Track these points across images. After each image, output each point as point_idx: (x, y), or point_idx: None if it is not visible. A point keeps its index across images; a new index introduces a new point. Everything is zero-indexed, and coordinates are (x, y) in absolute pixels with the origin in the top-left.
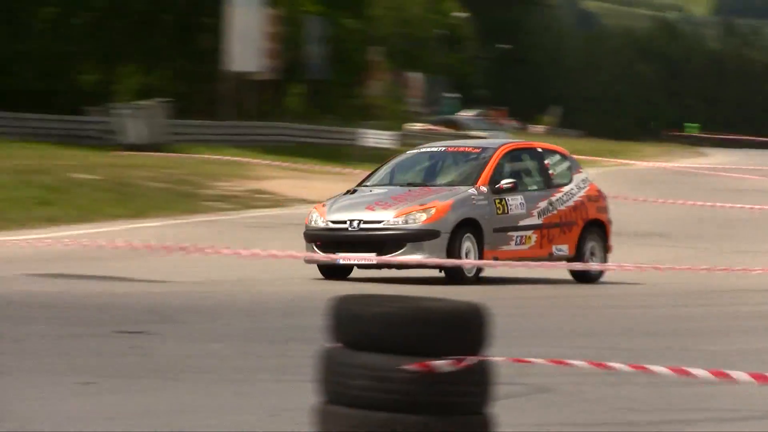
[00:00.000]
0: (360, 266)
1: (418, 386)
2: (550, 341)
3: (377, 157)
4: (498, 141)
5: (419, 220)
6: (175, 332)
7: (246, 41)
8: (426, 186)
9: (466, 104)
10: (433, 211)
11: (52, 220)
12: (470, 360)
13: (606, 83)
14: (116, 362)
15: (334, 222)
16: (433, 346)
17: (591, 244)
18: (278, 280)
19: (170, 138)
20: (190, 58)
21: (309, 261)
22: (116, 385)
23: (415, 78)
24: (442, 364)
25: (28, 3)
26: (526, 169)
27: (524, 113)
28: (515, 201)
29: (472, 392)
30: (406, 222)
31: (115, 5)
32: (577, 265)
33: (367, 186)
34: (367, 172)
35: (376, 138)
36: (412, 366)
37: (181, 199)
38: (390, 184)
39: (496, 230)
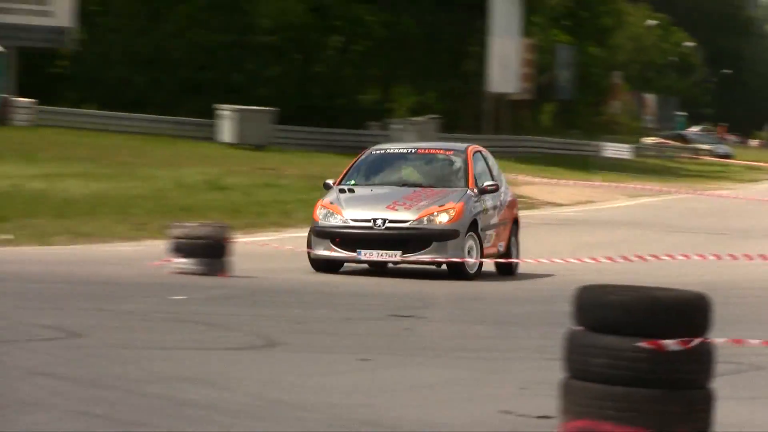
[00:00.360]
0: (381, 263)
1: (651, 364)
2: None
3: (617, 166)
4: (459, 144)
5: (442, 220)
6: (440, 316)
7: (505, 66)
8: (424, 187)
9: (692, 121)
10: (453, 212)
11: None
12: (695, 341)
13: None
14: (390, 342)
15: (355, 220)
16: (663, 329)
17: (513, 239)
18: (531, 272)
19: None
20: (457, 81)
21: (319, 258)
22: (389, 361)
23: (650, 98)
24: (672, 344)
25: (318, 33)
26: (484, 171)
27: (743, 129)
28: (488, 202)
29: (696, 369)
30: (429, 222)
31: (393, 35)
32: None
33: (356, 184)
34: (604, 182)
35: (615, 150)
36: (645, 346)
37: None
38: (374, 182)
39: (482, 230)
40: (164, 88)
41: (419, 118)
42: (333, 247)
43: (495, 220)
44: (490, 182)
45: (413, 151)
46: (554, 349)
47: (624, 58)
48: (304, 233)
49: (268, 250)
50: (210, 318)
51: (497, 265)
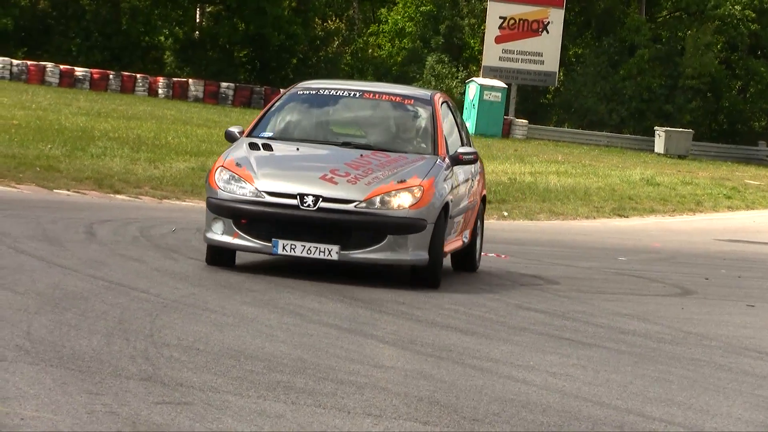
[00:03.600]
0: (311, 261)
1: None
2: None
3: None
4: (421, 90)
5: (404, 204)
6: None
7: None
8: (375, 150)
9: None
10: (419, 192)
11: (731, 208)
12: None
13: None
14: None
15: (273, 193)
16: None
17: (478, 224)
18: None
19: None
20: None
21: (215, 244)
22: (765, 308)
23: None
24: None
25: (726, 79)
26: (453, 129)
27: None
28: (460, 175)
29: None
30: (384, 205)
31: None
32: None
33: (274, 138)
34: None
35: None
36: None
37: None
38: (300, 137)
39: (450, 216)
40: (618, 114)
41: None
42: (236, 230)
43: (465, 202)
44: (468, 149)
45: (357, 94)
46: None
47: None
48: (707, 216)
49: (683, 227)
50: (643, 273)
51: (454, 259)
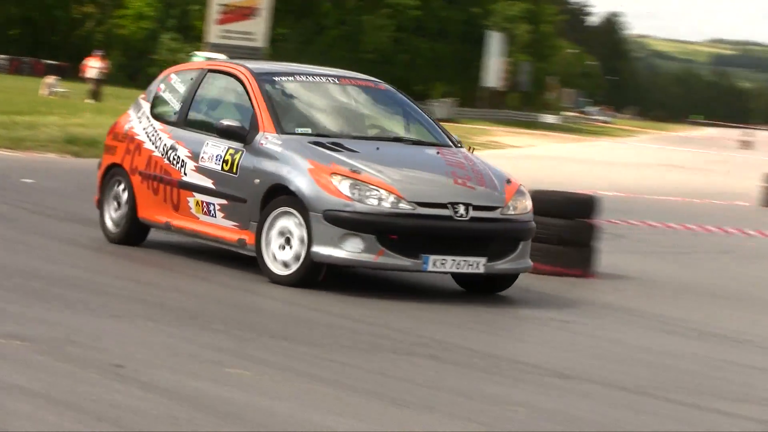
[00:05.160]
0: (457, 277)
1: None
2: None
3: (551, 126)
4: (356, 72)
5: (525, 207)
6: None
7: (494, 72)
8: (424, 144)
9: (593, 104)
10: (527, 194)
11: None
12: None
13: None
14: None
15: (424, 204)
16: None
17: None
18: None
19: (456, 117)
20: (468, 79)
21: (358, 264)
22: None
23: (569, 91)
24: None
25: (399, 54)
26: None
27: (618, 108)
28: None
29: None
30: (515, 210)
31: (433, 56)
32: None
33: (318, 135)
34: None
35: (548, 118)
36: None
37: None
38: (341, 133)
39: None
40: None
41: (445, 99)
42: (381, 247)
43: None
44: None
45: (335, 80)
46: None
47: (556, 70)
48: None
49: None
50: None
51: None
